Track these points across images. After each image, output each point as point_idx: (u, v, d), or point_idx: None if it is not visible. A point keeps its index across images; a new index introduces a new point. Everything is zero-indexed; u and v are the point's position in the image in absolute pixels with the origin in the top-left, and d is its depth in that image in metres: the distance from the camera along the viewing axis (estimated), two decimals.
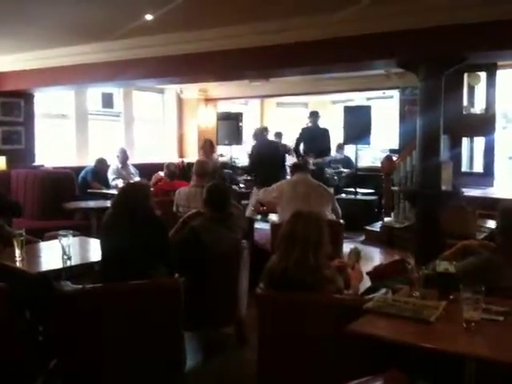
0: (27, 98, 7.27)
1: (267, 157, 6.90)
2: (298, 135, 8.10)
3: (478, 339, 1.93)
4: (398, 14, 4.27)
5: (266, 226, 5.70)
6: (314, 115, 8.12)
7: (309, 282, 2.41)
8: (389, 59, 4.77)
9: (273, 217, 4.97)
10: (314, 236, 2.48)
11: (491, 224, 4.55)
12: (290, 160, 8.57)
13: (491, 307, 2.07)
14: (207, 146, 7.66)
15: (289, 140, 9.04)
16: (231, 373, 3.30)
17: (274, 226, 4.57)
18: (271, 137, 8.34)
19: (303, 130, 8.14)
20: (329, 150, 8.03)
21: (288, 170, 8.29)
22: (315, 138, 7.85)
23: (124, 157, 7.35)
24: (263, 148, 7.16)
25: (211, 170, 5.42)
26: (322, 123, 8.18)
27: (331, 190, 5.32)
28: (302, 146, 7.92)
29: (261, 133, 7.32)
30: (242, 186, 7.74)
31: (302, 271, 2.42)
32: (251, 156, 7.39)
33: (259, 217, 6.15)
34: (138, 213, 3.00)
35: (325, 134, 8.00)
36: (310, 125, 8.15)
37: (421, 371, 2.05)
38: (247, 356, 3.29)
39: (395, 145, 8.35)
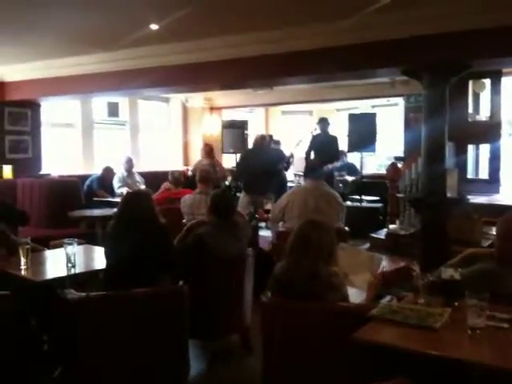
0: (34, 107, 7.33)
1: (257, 164, 6.63)
2: (308, 143, 8.10)
3: (483, 346, 1.92)
4: (401, 22, 4.27)
5: (270, 234, 5.68)
6: (323, 122, 8.11)
7: (316, 290, 2.41)
8: (392, 67, 4.78)
9: None
10: (327, 245, 2.50)
11: None
12: (293, 169, 8.57)
13: (496, 314, 2.06)
14: (208, 150, 7.74)
15: (290, 147, 9.02)
16: (236, 380, 3.29)
17: (280, 234, 4.57)
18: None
19: (314, 137, 8.13)
20: (336, 157, 7.99)
21: (287, 177, 8.30)
22: (324, 146, 7.83)
23: (129, 165, 7.39)
24: (253, 155, 6.88)
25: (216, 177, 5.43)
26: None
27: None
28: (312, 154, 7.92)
29: (260, 141, 7.14)
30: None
31: (312, 279, 2.42)
32: (239, 162, 7.18)
33: (263, 224, 6.14)
34: (140, 221, 3.01)
35: (334, 141, 8.00)
36: (318, 131, 8.14)
37: (426, 378, 2.03)
38: (252, 363, 3.29)
39: (400, 152, 8.34)
